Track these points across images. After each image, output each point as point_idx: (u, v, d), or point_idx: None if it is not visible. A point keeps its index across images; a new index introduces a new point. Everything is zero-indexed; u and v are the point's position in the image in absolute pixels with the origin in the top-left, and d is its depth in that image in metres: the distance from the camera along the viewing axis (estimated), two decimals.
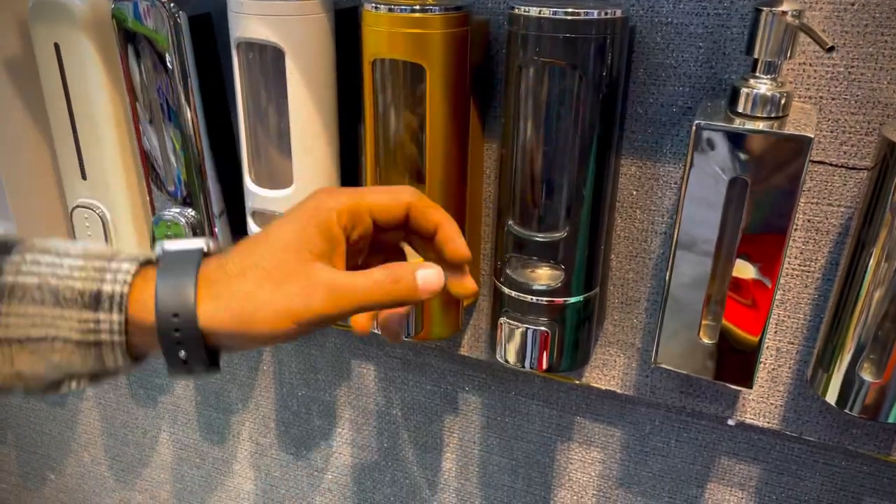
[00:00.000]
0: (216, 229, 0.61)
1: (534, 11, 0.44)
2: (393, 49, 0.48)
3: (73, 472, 1.01)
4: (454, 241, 0.39)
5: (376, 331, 0.44)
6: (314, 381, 0.78)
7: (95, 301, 0.34)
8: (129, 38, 0.56)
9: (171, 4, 0.54)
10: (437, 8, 0.47)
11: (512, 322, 0.50)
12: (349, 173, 0.60)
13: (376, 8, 0.48)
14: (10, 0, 0.63)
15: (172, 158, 0.59)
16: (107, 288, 0.34)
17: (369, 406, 0.76)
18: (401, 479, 0.78)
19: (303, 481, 0.84)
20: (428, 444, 0.75)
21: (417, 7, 0.47)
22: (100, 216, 0.63)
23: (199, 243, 0.36)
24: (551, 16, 0.43)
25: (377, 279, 0.36)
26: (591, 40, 0.43)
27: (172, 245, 0.36)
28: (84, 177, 0.63)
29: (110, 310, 0.34)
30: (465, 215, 0.55)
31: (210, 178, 0.60)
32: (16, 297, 0.34)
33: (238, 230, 0.63)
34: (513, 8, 0.45)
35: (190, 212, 0.61)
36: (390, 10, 0.48)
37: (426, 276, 0.38)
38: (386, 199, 0.38)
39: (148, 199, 0.62)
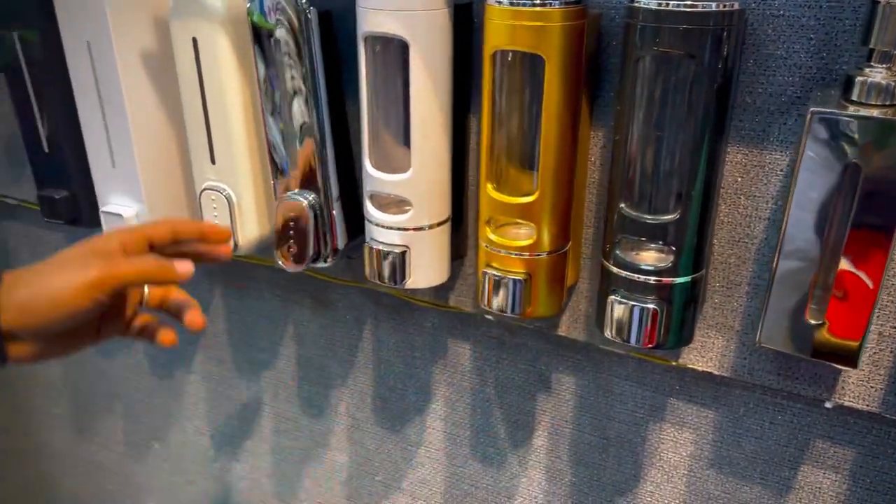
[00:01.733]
0: (334, 211, 0.66)
1: (654, 4, 0.46)
2: (514, 41, 0.52)
3: (176, 442, 1.08)
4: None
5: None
6: (411, 359, 0.82)
7: None
8: (262, 33, 0.60)
9: (303, 1, 0.58)
10: (556, 2, 0.50)
11: (622, 300, 0.53)
12: (458, 158, 0.63)
13: (499, 2, 0.51)
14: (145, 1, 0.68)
15: (297, 145, 0.64)
16: None
17: (464, 384, 0.80)
18: (492, 455, 0.81)
19: (396, 455, 0.88)
20: (520, 421, 0.78)
21: (538, 1, 0.50)
22: (226, 197, 0.69)
23: None
24: (671, 8, 0.46)
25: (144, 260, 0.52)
26: (709, 31, 0.46)
27: None
28: (213, 161, 0.68)
29: None
30: (573, 200, 0.58)
31: (330, 163, 0.64)
32: None
33: (350, 212, 0.68)
34: (632, 0, 0.48)
35: (311, 195, 0.65)
36: (512, 3, 0.51)
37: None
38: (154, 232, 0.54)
39: (272, 182, 0.67)
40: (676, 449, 0.70)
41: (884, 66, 0.45)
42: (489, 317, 0.73)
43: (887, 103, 0.44)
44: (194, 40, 0.64)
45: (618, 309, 0.53)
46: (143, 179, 0.72)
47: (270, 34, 0.60)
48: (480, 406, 0.80)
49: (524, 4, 0.50)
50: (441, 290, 0.73)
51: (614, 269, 0.54)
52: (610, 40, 0.56)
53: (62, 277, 0.49)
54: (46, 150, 0.77)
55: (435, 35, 0.56)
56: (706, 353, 0.62)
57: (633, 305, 0.52)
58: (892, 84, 0.44)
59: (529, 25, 0.50)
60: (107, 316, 0.56)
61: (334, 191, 0.65)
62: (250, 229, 0.70)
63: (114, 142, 0.71)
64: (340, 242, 0.68)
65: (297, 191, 0.66)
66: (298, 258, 0.67)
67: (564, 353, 0.72)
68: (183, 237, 0.56)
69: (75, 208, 0.78)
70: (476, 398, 0.80)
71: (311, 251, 0.67)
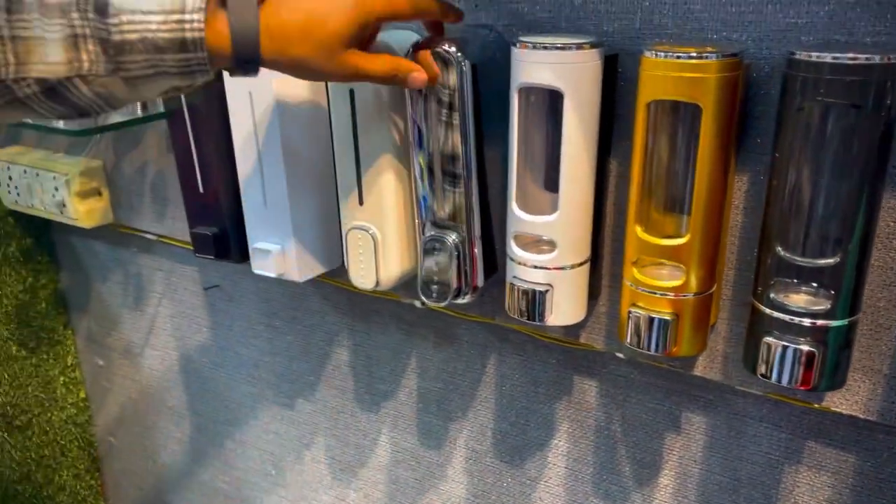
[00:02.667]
0: (476, 250, 0.69)
1: (817, 56, 0.48)
2: (672, 91, 0.54)
3: (293, 469, 1.12)
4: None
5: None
6: (534, 394, 0.84)
7: (183, 46, 0.49)
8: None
9: (459, 55, 0.62)
10: (714, 55, 0.53)
11: (778, 341, 0.54)
12: (598, 203, 0.66)
13: (657, 55, 0.54)
14: None
15: (443, 188, 0.68)
16: (188, 35, 0.49)
17: (588, 421, 0.81)
18: (614, 493, 0.82)
19: (515, 489, 0.90)
20: (645, 460, 0.79)
21: (694, 54, 0.53)
22: (372, 236, 0.73)
23: None
24: (837, 61, 0.47)
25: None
26: (873, 83, 0.47)
27: None
28: (361, 202, 0.72)
29: (195, 50, 0.50)
30: (719, 243, 0.59)
31: (474, 205, 0.68)
32: (125, 50, 0.49)
33: (488, 252, 0.71)
34: (793, 53, 0.50)
35: (454, 234, 0.69)
36: (668, 56, 0.54)
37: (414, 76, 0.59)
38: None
39: (417, 222, 0.70)
40: (813, 493, 0.69)
41: None
42: (620, 355, 0.75)
43: None
44: (351, 91, 0.69)
45: (773, 350, 0.54)
46: (293, 219, 0.77)
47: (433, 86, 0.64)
48: (604, 443, 0.81)
49: (681, 57, 0.53)
50: (571, 328, 0.75)
51: (768, 311, 0.55)
52: (758, 89, 0.58)
53: (326, 5, 0.53)
54: (201, 190, 0.83)
55: (588, 85, 0.59)
56: (851, 396, 0.62)
57: (790, 347, 0.53)
58: None
59: (688, 77, 0.53)
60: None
61: (476, 230, 0.69)
62: (392, 267, 0.74)
63: (267, 184, 0.77)
64: (480, 280, 0.71)
65: (441, 230, 0.69)
66: (441, 295, 0.70)
67: (696, 393, 0.73)
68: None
69: (225, 244, 0.84)
70: (600, 435, 0.81)
71: (453, 288, 0.70)
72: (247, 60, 0.52)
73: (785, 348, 0.53)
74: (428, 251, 0.70)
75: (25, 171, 1.06)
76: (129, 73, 0.50)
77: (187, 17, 0.49)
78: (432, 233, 0.69)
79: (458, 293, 0.70)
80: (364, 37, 0.56)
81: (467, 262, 0.69)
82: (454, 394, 0.90)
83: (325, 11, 0.52)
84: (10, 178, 1.09)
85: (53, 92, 0.50)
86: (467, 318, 0.84)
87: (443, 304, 0.71)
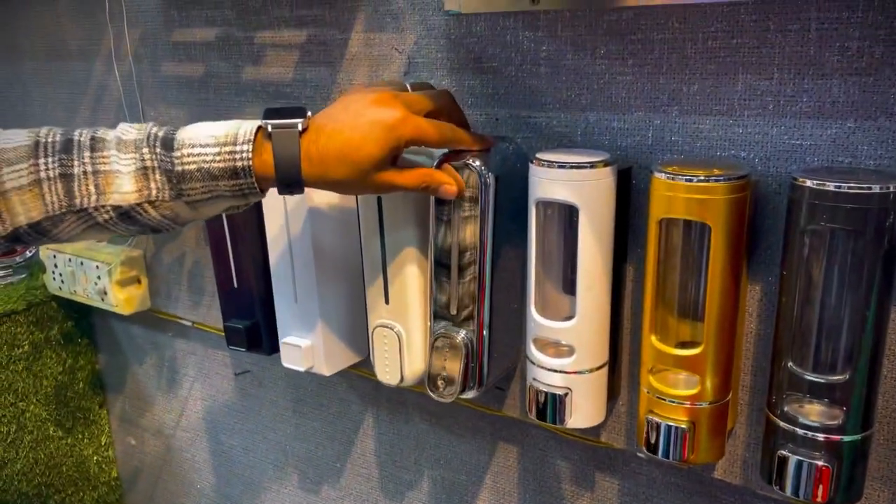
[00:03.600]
0: (484, 348, 0.71)
1: (816, 184, 0.51)
2: (681, 211, 0.57)
3: None
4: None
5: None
6: (557, 489, 0.84)
7: (234, 174, 0.57)
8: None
9: (483, 168, 0.66)
10: (722, 178, 0.55)
11: (791, 455, 0.54)
12: (615, 306, 0.68)
13: (666, 176, 0.57)
14: None
15: (458, 289, 0.70)
16: (238, 164, 0.56)
17: None
18: None
19: None
20: None
21: (702, 177, 0.56)
22: (397, 334, 0.75)
23: (297, 121, 0.58)
24: (837, 189, 0.50)
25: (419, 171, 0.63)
26: (874, 210, 0.50)
27: (278, 122, 0.58)
28: (387, 302, 0.75)
29: (245, 177, 0.57)
30: (733, 353, 0.61)
31: (486, 306, 0.70)
32: (186, 178, 0.56)
33: (499, 346, 0.73)
34: (795, 179, 0.52)
35: (463, 332, 0.70)
36: (676, 179, 0.56)
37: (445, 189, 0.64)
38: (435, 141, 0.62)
39: (429, 321, 0.73)
40: None
41: None
42: (641, 455, 0.75)
43: None
44: (378, 199, 0.73)
45: (787, 464, 0.55)
46: (322, 315, 0.80)
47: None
48: None
49: (690, 180, 0.56)
50: (592, 427, 0.76)
51: (782, 424, 0.56)
52: (767, 203, 0.61)
53: (361, 133, 0.58)
54: (235, 284, 0.87)
55: (601, 199, 0.62)
56: None
57: (803, 461, 0.54)
58: None
59: (697, 199, 0.56)
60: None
61: (486, 331, 0.71)
62: (417, 364, 0.76)
63: (298, 280, 0.80)
64: (486, 378, 0.72)
65: (450, 328, 0.71)
66: (447, 390, 0.72)
67: (718, 495, 0.73)
68: (448, 114, 0.66)
69: (256, 337, 0.87)
70: None
71: (459, 385, 0.72)
72: (290, 183, 0.59)
73: (800, 462, 0.54)
74: (437, 348, 0.72)
75: (70, 260, 1.11)
76: (190, 198, 0.57)
77: (238, 148, 0.57)
78: (442, 331, 0.72)
79: (465, 388, 0.72)
80: (395, 157, 0.61)
81: (475, 360, 0.71)
82: (477, 486, 0.91)
83: (360, 139, 0.58)
84: (56, 265, 1.14)
85: (127, 216, 0.57)
86: (489, 411, 0.86)
87: (450, 400, 0.72)
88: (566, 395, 0.66)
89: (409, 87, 0.72)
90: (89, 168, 0.56)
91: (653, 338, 0.61)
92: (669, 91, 0.63)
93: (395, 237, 0.73)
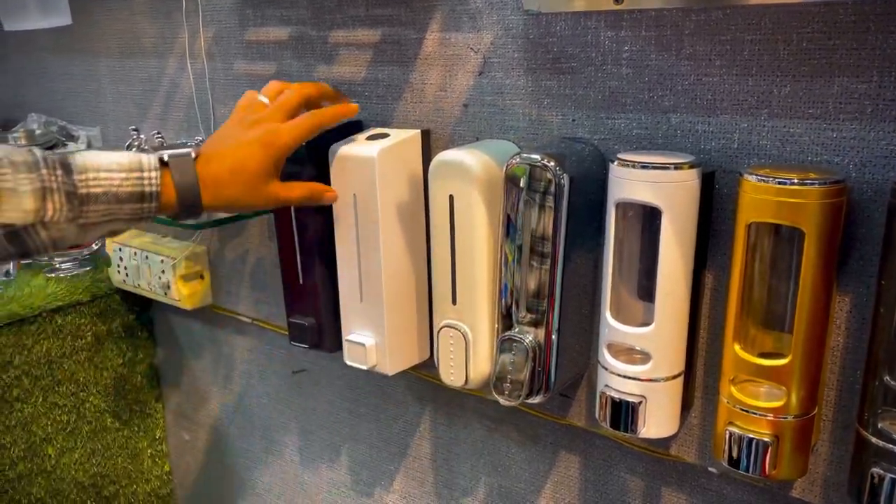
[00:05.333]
0: (552, 353, 0.69)
1: None
2: (772, 215, 0.55)
3: None
4: None
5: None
6: (620, 503, 0.82)
7: (141, 198, 0.63)
8: (518, 193, 0.67)
9: (558, 169, 0.64)
10: (817, 182, 0.53)
11: (886, 474, 0.52)
12: (693, 314, 0.66)
13: (758, 179, 0.55)
14: (406, 161, 0.78)
15: (527, 293, 0.69)
16: (146, 189, 0.63)
17: None
18: None
19: None
20: None
21: (796, 180, 0.54)
22: (463, 335, 0.75)
23: (189, 150, 0.66)
24: None
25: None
26: None
27: (172, 153, 0.66)
28: (454, 302, 0.75)
29: (150, 202, 0.63)
30: (822, 365, 0.58)
31: (556, 309, 0.68)
32: (89, 201, 0.61)
33: (567, 352, 0.72)
34: None
35: (530, 335, 0.69)
36: (769, 181, 0.55)
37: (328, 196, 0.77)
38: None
39: (496, 322, 0.72)
40: None
41: None
42: (712, 470, 0.73)
43: None
44: (451, 197, 0.72)
45: (880, 483, 0.52)
46: (388, 315, 0.80)
47: (530, 195, 0.67)
48: None
49: (783, 182, 0.54)
50: (662, 438, 0.74)
51: (874, 440, 0.53)
52: (861, 212, 0.58)
53: (243, 153, 0.67)
54: (301, 281, 0.87)
55: (685, 203, 0.61)
56: None
57: None
58: None
59: (791, 202, 0.54)
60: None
61: (555, 335, 0.69)
62: (482, 366, 0.75)
63: (364, 280, 0.80)
64: (553, 382, 0.71)
65: (518, 330, 0.70)
66: (514, 393, 0.71)
67: None
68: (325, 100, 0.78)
69: (320, 335, 0.87)
70: None
71: (526, 388, 0.70)
72: (189, 206, 0.66)
73: (894, 481, 0.52)
74: (504, 350, 0.71)
75: (136, 253, 1.13)
76: (87, 220, 0.62)
77: (146, 174, 0.63)
78: (509, 332, 0.71)
79: (531, 393, 0.71)
80: (280, 167, 0.71)
81: (542, 364, 0.70)
82: (535, 495, 0.89)
83: (243, 157, 0.68)
84: (121, 258, 1.16)
85: (15, 235, 0.59)
86: (551, 418, 0.84)
87: (515, 403, 0.71)
88: (640, 403, 0.65)
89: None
90: None
91: (736, 346, 0.59)
92: (759, 93, 0.61)
93: (466, 236, 0.72)
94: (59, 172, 0.59)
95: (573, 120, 0.73)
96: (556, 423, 0.85)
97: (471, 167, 0.70)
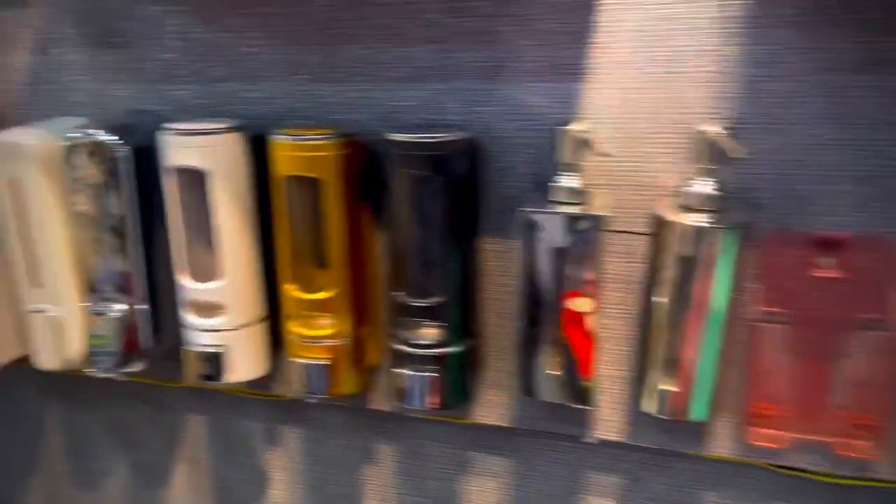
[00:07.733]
0: (139, 320, 0.73)
1: (400, 136, 0.59)
2: (297, 167, 0.63)
3: None
4: None
5: None
6: (246, 449, 0.88)
7: None
8: (81, 168, 0.68)
9: (119, 141, 0.67)
10: (329, 137, 0.62)
11: (406, 371, 0.64)
12: (268, 263, 0.73)
13: (284, 138, 0.63)
14: None
15: (107, 263, 0.71)
16: None
17: (297, 466, 0.87)
18: None
19: None
20: (350, 493, 0.86)
21: (310, 137, 0.62)
22: (52, 317, 0.74)
23: None
24: (413, 139, 0.59)
25: None
26: (444, 156, 0.60)
27: None
28: (40, 286, 0.74)
29: None
30: (366, 292, 0.69)
31: (137, 277, 0.71)
32: None
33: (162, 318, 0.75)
34: (386, 134, 0.61)
35: (119, 306, 0.72)
36: (289, 139, 0.63)
37: None
38: None
39: (85, 297, 0.73)
40: (483, 497, 0.80)
41: (572, 173, 0.60)
42: (311, 400, 0.82)
43: (577, 202, 0.59)
44: (13, 181, 0.70)
45: (402, 379, 0.64)
46: None
47: (94, 169, 0.68)
48: (313, 483, 0.87)
49: (302, 139, 0.62)
50: (262, 380, 0.81)
51: (395, 346, 0.65)
52: (376, 162, 0.69)
53: None
54: None
55: (232, 165, 0.67)
56: (493, 410, 0.74)
57: (417, 375, 0.64)
58: (579, 187, 0.59)
59: (307, 156, 0.62)
60: None
61: (144, 304, 0.72)
62: (76, 343, 0.76)
63: None
64: (146, 347, 0.74)
65: (106, 303, 0.72)
66: (106, 364, 0.73)
67: (378, 426, 0.81)
68: None
69: None
70: (308, 477, 0.87)
71: (118, 357, 0.73)
72: None
73: (409, 377, 0.63)
74: (93, 324, 0.72)
75: None
76: None
77: None
78: (97, 305, 0.72)
79: (126, 362, 0.73)
80: None
81: (132, 332, 0.73)
82: (168, 463, 0.92)
83: None
84: None
85: None
86: (168, 384, 0.87)
87: (113, 375, 0.73)
88: (220, 353, 0.70)
89: None
90: None
91: (290, 287, 0.67)
92: (291, 62, 0.69)
93: (37, 219, 0.71)
94: None
95: (137, 93, 0.75)
96: (177, 388, 0.88)
97: (29, 148, 0.69)
